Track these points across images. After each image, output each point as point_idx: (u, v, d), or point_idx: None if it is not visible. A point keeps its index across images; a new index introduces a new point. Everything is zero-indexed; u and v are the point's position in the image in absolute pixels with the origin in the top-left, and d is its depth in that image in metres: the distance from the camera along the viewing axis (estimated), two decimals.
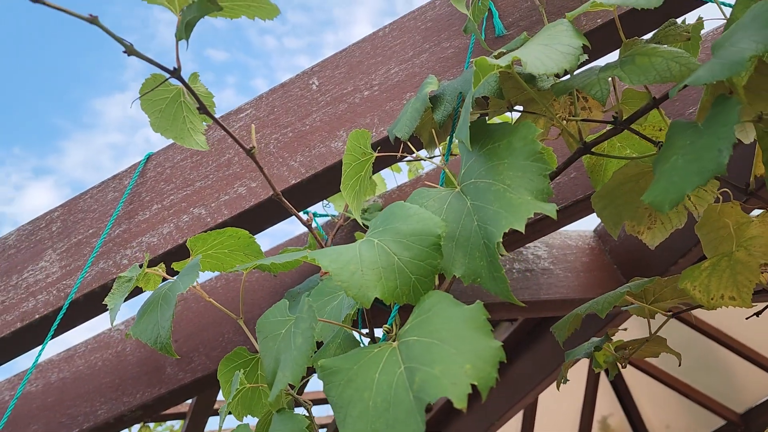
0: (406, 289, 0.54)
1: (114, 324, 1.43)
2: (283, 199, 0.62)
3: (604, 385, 3.98)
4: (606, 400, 3.97)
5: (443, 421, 2.29)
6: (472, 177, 0.61)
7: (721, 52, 0.53)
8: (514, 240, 1.18)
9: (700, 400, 3.52)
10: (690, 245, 1.40)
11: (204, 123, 0.67)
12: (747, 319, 0.81)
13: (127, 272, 0.69)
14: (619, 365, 0.99)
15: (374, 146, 0.91)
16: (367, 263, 0.55)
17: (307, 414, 0.67)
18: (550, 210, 0.54)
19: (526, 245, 1.53)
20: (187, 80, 0.56)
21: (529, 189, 0.56)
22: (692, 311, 0.93)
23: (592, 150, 0.76)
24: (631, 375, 3.95)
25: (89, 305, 1.01)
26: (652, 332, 0.91)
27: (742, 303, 0.67)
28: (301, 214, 0.96)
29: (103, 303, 0.69)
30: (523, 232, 0.52)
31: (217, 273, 0.97)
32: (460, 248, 0.57)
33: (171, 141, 1.10)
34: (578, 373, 3.91)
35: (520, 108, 0.83)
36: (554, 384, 3.70)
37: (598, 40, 0.90)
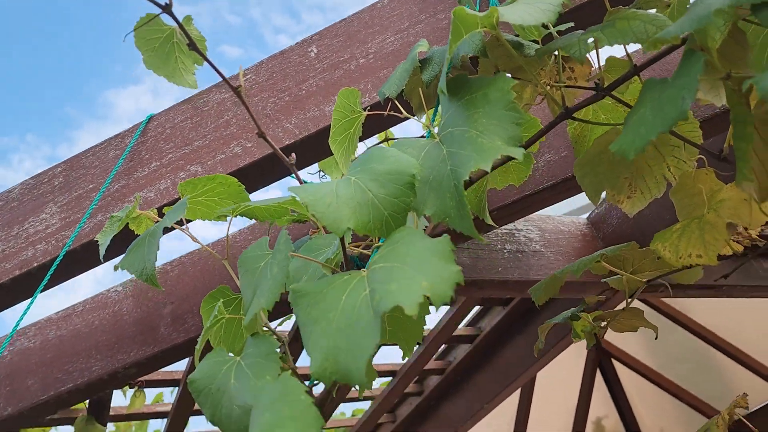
0: (378, 223, 0.57)
1: (112, 285, 1.47)
2: (267, 137, 0.65)
3: (600, 387, 3.99)
4: (601, 401, 3.98)
5: (434, 404, 2.32)
6: (449, 127, 0.64)
7: (693, 9, 0.56)
8: (505, 215, 1.21)
9: (696, 405, 3.53)
10: None
11: (196, 64, 0.70)
12: (715, 281, 0.83)
13: (119, 212, 0.73)
14: (597, 335, 1.02)
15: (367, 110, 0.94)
16: (343, 198, 0.58)
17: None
18: (517, 153, 0.56)
19: (519, 228, 1.55)
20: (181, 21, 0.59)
21: (501, 135, 0.58)
22: (690, 317, 0.95)
23: (574, 115, 0.79)
24: (626, 377, 3.97)
25: (86, 255, 1.05)
26: (628, 302, 0.93)
27: (708, 260, 0.69)
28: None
29: (95, 239, 0.72)
30: (489, 170, 0.55)
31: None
32: (433, 190, 0.60)
33: (173, 103, 1.14)
34: (574, 373, 3.93)
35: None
36: (547, 389, 3.71)
37: (587, 15, 0.92)
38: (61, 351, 1.40)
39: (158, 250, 0.66)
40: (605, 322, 1.00)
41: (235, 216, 0.76)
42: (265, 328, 0.62)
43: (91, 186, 1.08)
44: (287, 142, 0.97)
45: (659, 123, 0.53)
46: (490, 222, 1.02)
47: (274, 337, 0.58)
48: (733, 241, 0.79)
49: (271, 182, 1.02)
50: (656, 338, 1.00)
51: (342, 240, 0.61)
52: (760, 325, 3.37)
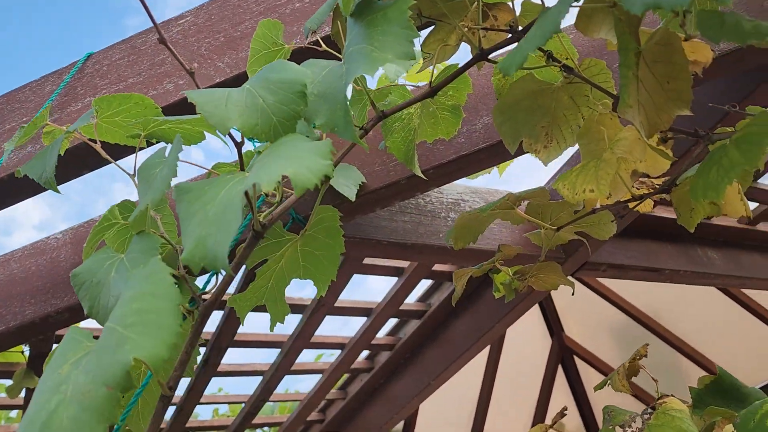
0: (266, 128, 0.58)
1: (52, 233, 1.46)
2: (169, 45, 0.65)
3: (561, 383, 4.04)
4: (562, 396, 4.02)
5: (384, 383, 2.33)
6: (351, 46, 0.65)
7: None
8: (442, 173, 1.22)
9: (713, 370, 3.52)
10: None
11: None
12: (612, 221, 0.85)
13: (29, 124, 0.73)
14: (517, 290, 1.03)
15: (297, 53, 0.95)
16: (233, 100, 0.59)
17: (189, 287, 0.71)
18: (405, 65, 0.58)
19: (465, 199, 1.57)
20: None
21: (393, 50, 0.60)
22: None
23: (489, 58, 0.80)
24: (587, 374, 4.02)
25: (14, 185, 1.04)
26: (544, 254, 0.95)
27: (599, 194, 0.71)
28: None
29: (3, 146, 0.72)
30: (371, 75, 0.56)
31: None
32: (327, 103, 0.61)
33: (113, 42, 1.14)
34: (536, 369, 3.97)
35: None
36: (509, 384, 3.74)
37: None
38: (55, 275, 1.38)
39: (58, 157, 0.66)
40: (525, 277, 1.02)
41: (147, 136, 0.76)
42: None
43: (24, 119, 1.08)
44: (218, 80, 0.98)
45: (538, 37, 0.54)
46: (419, 172, 1.03)
47: (158, 235, 0.58)
48: (636, 188, 0.81)
49: None
50: (573, 294, 1.02)
51: (236, 144, 0.62)
52: (728, 334, 3.45)
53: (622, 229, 1.73)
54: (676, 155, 0.76)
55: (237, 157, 0.65)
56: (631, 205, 0.80)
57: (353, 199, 1.09)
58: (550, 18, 0.55)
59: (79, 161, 1.03)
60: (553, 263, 1.00)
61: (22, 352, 1.77)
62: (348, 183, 1.14)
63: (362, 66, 0.58)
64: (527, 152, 0.90)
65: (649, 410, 0.78)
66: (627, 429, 0.76)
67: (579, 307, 3.96)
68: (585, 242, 1.02)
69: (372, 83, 1.69)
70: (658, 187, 0.79)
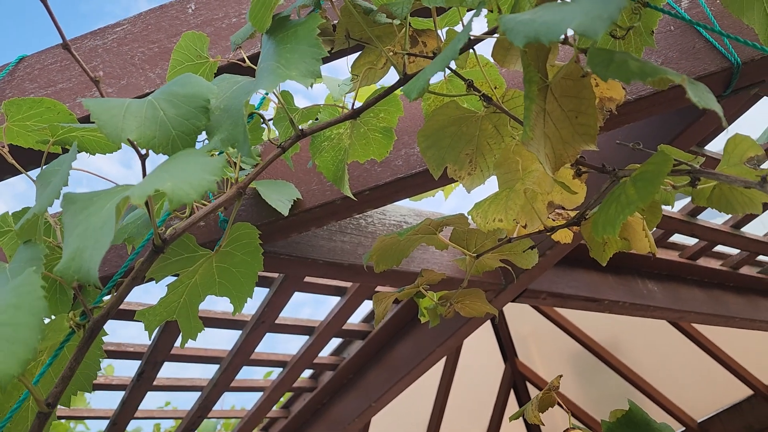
0: (164, 141, 0.57)
1: None
2: (72, 50, 0.64)
3: (513, 408, 4.04)
4: (513, 422, 4.02)
5: (327, 403, 2.31)
6: (262, 62, 0.65)
7: None
8: (378, 196, 1.22)
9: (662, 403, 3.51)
10: (552, 242, 1.46)
11: None
12: (524, 251, 0.85)
13: None
14: (442, 315, 1.03)
15: (225, 68, 0.94)
16: (132, 111, 0.58)
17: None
18: (305, 82, 0.57)
19: (408, 221, 1.57)
20: None
21: (298, 68, 0.60)
22: None
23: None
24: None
25: None
26: (465, 278, 0.95)
27: (507, 224, 0.71)
28: None
29: None
30: (270, 91, 0.55)
31: None
32: (230, 118, 0.61)
33: (49, 46, 1.12)
34: (488, 393, 3.97)
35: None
36: (461, 408, 3.74)
37: None
38: None
39: None
40: (450, 303, 1.02)
41: (57, 142, 0.75)
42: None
43: None
44: (147, 90, 0.97)
45: (438, 63, 0.55)
46: (348, 192, 1.03)
47: (42, 245, 0.57)
48: (552, 219, 0.82)
49: None
50: (497, 321, 1.02)
51: (140, 156, 0.61)
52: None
53: (563, 259, 1.75)
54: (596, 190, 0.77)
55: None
56: (547, 234, 0.81)
57: (286, 213, 1.08)
58: (451, 46, 0.55)
59: None
60: (477, 290, 1.00)
61: None
62: (282, 198, 1.13)
63: (264, 82, 0.58)
64: (451, 178, 0.91)
65: None
66: None
67: (536, 335, 3.99)
68: (511, 270, 1.02)
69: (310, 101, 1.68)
70: (569, 216, 0.80)
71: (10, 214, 0.64)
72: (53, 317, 0.61)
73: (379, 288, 1.86)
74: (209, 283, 0.84)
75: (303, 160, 1.24)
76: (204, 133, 0.64)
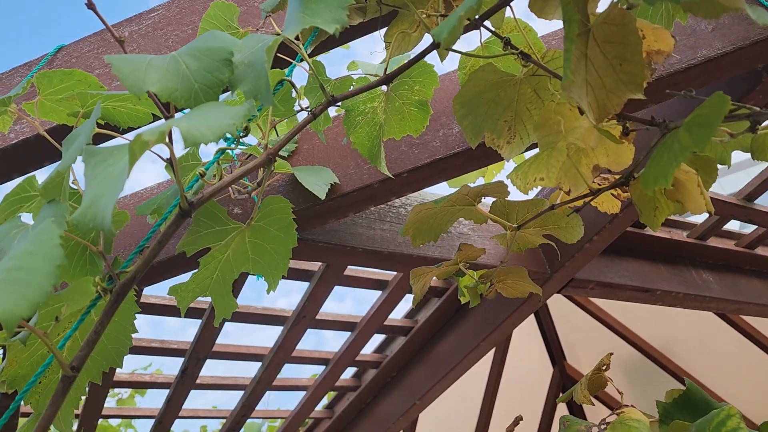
0: (186, 93, 0.55)
1: None
2: (94, 5, 0.63)
3: (563, 412, 3.93)
4: None
5: (371, 402, 2.27)
6: (288, 16, 0.63)
7: None
8: (418, 179, 1.18)
9: None
10: (604, 222, 1.41)
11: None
12: (569, 215, 0.80)
13: None
14: (483, 294, 0.99)
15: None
16: (155, 65, 0.56)
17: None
18: (330, 28, 0.55)
19: None
20: None
21: (323, 17, 0.57)
22: None
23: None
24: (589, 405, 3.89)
25: None
26: (506, 254, 0.91)
27: (549, 182, 0.67)
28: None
29: None
30: (291, 37, 0.53)
31: None
32: (254, 71, 0.59)
33: (86, 35, 1.13)
34: (537, 398, 3.87)
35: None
36: (510, 413, 3.65)
37: None
38: None
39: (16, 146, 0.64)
40: (491, 282, 0.97)
41: (86, 113, 0.74)
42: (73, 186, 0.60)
43: None
44: None
45: (470, 2, 0.51)
46: (385, 170, 1.00)
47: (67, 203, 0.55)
48: (597, 184, 0.77)
49: None
50: (540, 302, 0.98)
51: (164, 115, 0.60)
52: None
53: (611, 248, 1.68)
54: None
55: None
56: (588, 200, 0.76)
57: (323, 197, 1.06)
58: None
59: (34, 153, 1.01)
60: (519, 268, 0.96)
61: None
62: (319, 182, 1.11)
63: (288, 29, 0.56)
64: (489, 147, 0.87)
65: (605, 422, 0.73)
66: None
67: (585, 338, 3.87)
68: (557, 250, 0.97)
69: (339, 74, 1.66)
70: (614, 180, 0.75)
71: (36, 177, 0.64)
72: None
73: None
74: (242, 259, 0.82)
75: (338, 144, 1.22)
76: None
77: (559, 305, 3.49)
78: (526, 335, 3.77)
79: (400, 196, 1.23)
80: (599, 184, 0.76)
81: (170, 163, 0.61)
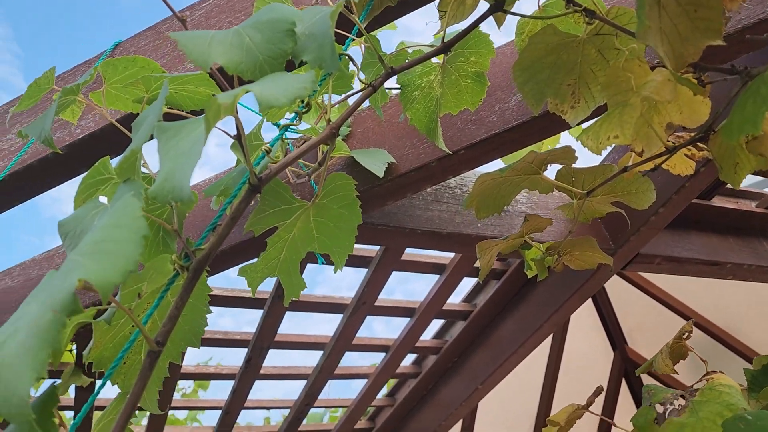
0: (251, 66, 0.55)
1: None
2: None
3: (626, 399, 3.85)
4: (627, 414, 3.82)
5: (432, 388, 2.26)
6: None
7: None
8: (475, 155, 1.17)
9: None
10: (670, 193, 1.36)
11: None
12: (644, 174, 0.77)
13: (31, 85, 0.73)
14: (551, 267, 0.96)
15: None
16: (218, 39, 0.56)
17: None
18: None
19: None
20: None
21: None
22: None
23: (504, 8, 0.76)
24: None
25: (45, 171, 1.06)
26: (575, 221, 0.88)
27: (624, 139, 0.65)
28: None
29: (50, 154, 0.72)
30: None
31: None
32: (316, 41, 0.58)
33: (142, 29, 1.15)
34: (598, 383, 3.79)
35: None
36: (570, 399, 3.59)
37: None
38: None
39: (54, 117, 0.66)
40: (558, 254, 0.95)
41: (149, 100, 0.75)
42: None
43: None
44: None
45: None
46: (442, 145, 0.99)
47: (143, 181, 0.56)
48: (671, 143, 0.74)
49: None
50: (611, 271, 0.95)
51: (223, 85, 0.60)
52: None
53: (677, 221, 1.62)
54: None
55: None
56: (661, 160, 0.73)
57: (381, 174, 1.05)
58: None
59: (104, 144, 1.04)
60: (588, 238, 0.93)
61: (70, 351, 1.80)
62: (376, 162, 1.11)
63: None
64: (553, 112, 0.84)
65: (694, 389, 0.70)
66: (668, 406, 0.68)
67: (646, 321, 3.76)
68: (626, 216, 0.94)
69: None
70: (689, 137, 0.72)
71: (109, 160, 0.65)
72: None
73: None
74: (308, 238, 0.82)
75: (393, 126, 1.21)
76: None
77: (616, 288, 3.41)
78: (584, 320, 3.69)
79: (457, 175, 1.21)
80: (674, 143, 0.73)
81: (238, 138, 0.61)
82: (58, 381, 1.81)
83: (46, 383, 2.26)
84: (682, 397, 0.68)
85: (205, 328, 1.70)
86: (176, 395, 3.89)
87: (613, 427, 3.65)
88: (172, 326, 0.57)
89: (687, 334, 0.79)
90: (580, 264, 0.98)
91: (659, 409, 0.68)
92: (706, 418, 0.63)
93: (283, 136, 0.79)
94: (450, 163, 1.16)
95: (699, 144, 0.79)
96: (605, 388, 3.79)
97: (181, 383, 4.08)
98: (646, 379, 3.85)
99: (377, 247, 1.62)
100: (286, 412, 2.28)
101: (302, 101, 0.73)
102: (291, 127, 1.00)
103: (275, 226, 0.78)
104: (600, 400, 3.77)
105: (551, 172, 0.95)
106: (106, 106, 0.78)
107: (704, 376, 0.70)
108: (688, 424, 0.63)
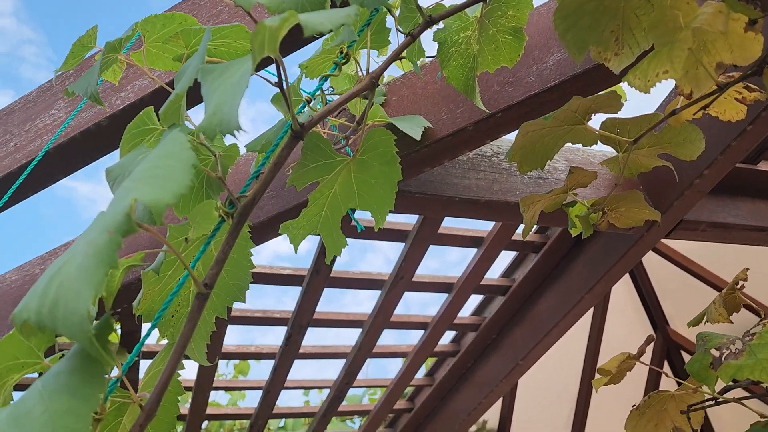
0: (293, 5, 0.55)
1: None
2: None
3: (669, 381, 3.77)
4: None
5: (471, 366, 2.25)
6: None
7: None
8: (513, 117, 1.15)
9: None
10: (715, 153, 1.32)
11: None
12: (694, 115, 0.75)
13: (75, 44, 0.74)
14: (596, 224, 0.94)
15: None
16: None
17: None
18: None
19: None
20: None
21: None
22: None
23: None
24: None
25: (87, 143, 1.08)
26: (621, 169, 0.86)
27: (674, 73, 0.63)
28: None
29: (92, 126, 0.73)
30: None
31: None
32: None
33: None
34: (638, 368, 3.72)
35: None
36: (608, 389, 3.56)
37: None
38: None
39: (99, 72, 0.67)
40: (604, 210, 0.93)
41: (189, 56, 0.75)
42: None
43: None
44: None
45: None
46: (480, 104, 0.97)
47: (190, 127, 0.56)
48: (722, 79, 0.71)
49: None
50: (659, 224, 0.92)
51: None
52: None
53: (722, 187, 1.58)
54: None
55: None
56: (710, 100, 0.71)
57: (418, 138, 1.05)
58: None
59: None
60: (635, 191, 0.91)
61: (114, 331, 1.83)
62: (413, 126, 1.10)
63: None
64: (596, 61, 0.82)
65: (751, 332, 0.68)
66: (724, 351, 0.66)
67: (685, 298, 3.68)
68: (660, 192, 0.92)
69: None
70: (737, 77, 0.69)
71: (153, 109, 0.65)
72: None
73: (518, 237, 1.78)
74: (349, 194, 0.82)
75: (428, 93, 1.20)
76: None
77: (656, 267, 3.34)
78: (623, 301, 3.63)
79: (495, 138, 1.20)
80: (724, 82, 0.70)
81: (279, 84, 0.61)
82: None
83: None
84: (739, 340, 0.66)
85: (246, 307, 1.71)
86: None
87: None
88: (219, 269, 0.58)
89: (741, 283, 0.77)
90: (626, 221, 0.96)
91: (715, 353, 0.66)
92: (765, 359, 0.61)
93: (324, 92, 0.79)
94: (487, 126, 1.15)
95: (750, 85, 0.77)
96: (647, 370, 3.72)
97: (221, 369, 4.14)
98: (687, 358, 3.78)
99: (414, 221, 1.61)
100: (325, 396, 2.29)
101: (341, 52, 0.73)
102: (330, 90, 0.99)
103: (316, 181, 0.78)
104: (643, 383, 3.72)
105: (595, 123, 0.93)
106: (147, 65, 0.79)
107: (761, 320, 0.67)
108: (746, 365, 0.61)
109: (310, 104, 0.70)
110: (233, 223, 0.60)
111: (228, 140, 0.73)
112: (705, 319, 0.79)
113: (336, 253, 0.84)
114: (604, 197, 0.92)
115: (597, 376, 0.81)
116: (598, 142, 1.28)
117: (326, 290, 1.67)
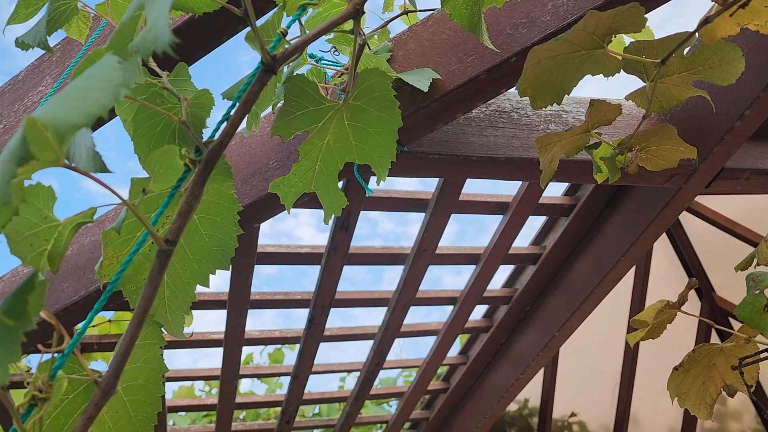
0: None
1: None
2: None
3: None
4: None
5: (506, 340, 2.16)
6: None
7: None
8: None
9: None
10: (756, 91, 1.20)
11: None
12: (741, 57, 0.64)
13: None
14: (624, 168, 0.85)
15: None
16: None
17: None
18: None
19: (567, 110, 1.38)
20: None
21: None
22: None
23: None
24: None
25: None
26: (650, 101, 0.76)
27: None
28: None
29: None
30: None
31: None
32: None
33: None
34: (686, 335, 3.58)
35: None
36: (654, 356, 3.40)
37: None
38: (95, 255, 1.40)
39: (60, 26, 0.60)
40: (632, 150, 0.83)
41: None
42: None
43: (83, 53, 1.05)
44: None
45: None
46: (488, 43, 0.88)
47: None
48: None
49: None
50: (696, 163, 0.82)
51: None
52: None
53: (765, 130, 1.45)
54: None
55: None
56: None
57: (425, 89, 0.96)
58: None
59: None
60: (666, 126, 0.81)
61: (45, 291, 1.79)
62: (420, 78, 1.01)
63: None
64: (611, 5, 0.73)
65: None
66: None
67: (730, 264, 3.52)
68: (697, 138, 0.81)
69: None
70: None
71: None
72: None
73: (546, 200, 1.68)
74: (344, 145, 0.74)
75: (435, 45, 1.11)
76: None
77: (698, 233, 3.20)
78: (665, 269, 3.49)
79: (510, 87, 1.10)
80: None
81: (245, 17, 0.54)
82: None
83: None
84: None
85: (265, 290, 1.64)
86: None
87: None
88: (183, 223, 0.50)
89: None
90: (659, 163, 0.86)
91: None
92: None
93: (303, 26, 0.71)
94: (500, 73, 1.05)
95: None
96: (695, 340, 3.57)
97: (255, 359, 4.13)
98: (736, 326, 3.61)
99: (433, 189, 1.53)
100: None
101: None
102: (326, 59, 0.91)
103: (305, 130, 0.70)
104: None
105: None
106: (113, 19, 0.72)
107: None
108: None
109: (286, 38, 0.62)
110: (199, 170, 0.52)
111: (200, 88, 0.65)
112: (755, 261, 0.69)
113: (335, 212, 0.76)
114: (629, 135, 0.82)
115: (632, 331, 0.72)
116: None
117: (353, 274, 1.60)
